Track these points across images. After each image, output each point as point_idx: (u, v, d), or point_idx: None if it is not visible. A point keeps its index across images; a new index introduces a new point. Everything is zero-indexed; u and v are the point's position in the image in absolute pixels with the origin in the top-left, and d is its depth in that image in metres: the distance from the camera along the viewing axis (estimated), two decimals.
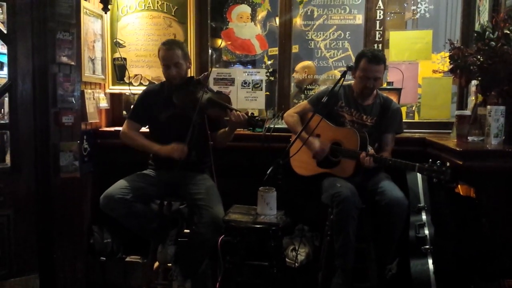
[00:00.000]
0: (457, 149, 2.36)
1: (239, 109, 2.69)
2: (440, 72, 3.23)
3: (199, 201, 2.60)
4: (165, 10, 3.49)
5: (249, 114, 2.61)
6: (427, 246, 2.68)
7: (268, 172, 2.32)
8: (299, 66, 3.81)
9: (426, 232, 2.72)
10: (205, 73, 2.95)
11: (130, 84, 3.51)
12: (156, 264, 2.81)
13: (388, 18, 3.69)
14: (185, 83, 2.76)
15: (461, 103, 3.39)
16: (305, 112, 2.89)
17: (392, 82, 3.35)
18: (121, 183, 2.63)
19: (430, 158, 2.36)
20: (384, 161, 2.57)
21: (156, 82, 3.43)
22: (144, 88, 3.10)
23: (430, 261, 2.63)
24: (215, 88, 3.21)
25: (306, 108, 2.92)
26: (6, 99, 2.89)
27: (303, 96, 3.69)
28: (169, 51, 2.73)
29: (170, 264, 2.84)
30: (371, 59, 2.69)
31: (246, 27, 3.66)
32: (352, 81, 2.88)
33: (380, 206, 2.54)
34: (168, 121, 2.76)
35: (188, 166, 2.72)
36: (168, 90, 2.79)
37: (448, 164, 2.25)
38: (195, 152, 2.74)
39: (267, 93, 3.67)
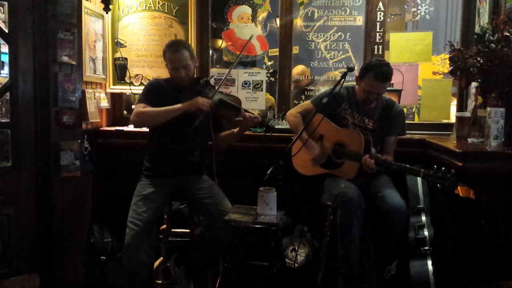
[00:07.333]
0: (457, 150, 2.37)
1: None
2: (440, 74, 3.25)
3: (209, 206, 2.62)
4: (166, 11, 3.49)
5: (259, 113, 2.63)
6: (427, 247, 2.68)
7: (268, 172, 2.32)
8: (296, 72, 3.75)
9: (426, 233, 2.72)
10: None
11: (131, 84, 3.51)
12: (156, 263, 2.82)
13: (389, 20, 3.69)
14: (193, 83, 2.71)
15: (461, 105, 3.40)
16: (307, 112, 2.88)
17: (392, 84, 3.36)
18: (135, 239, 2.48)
19: (430, 159, 2.36)
20: (388, 165, 2.54)
21: None
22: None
23: (429, 262, 2.64)
24: (215, 85, 3.21)
25: (308, 108, 2.91)
26: (7, 98, 2.89)
27: (303, 97, 3.70)
28: (177, 54, 2.64)
29: (168, 264, 2.86)
30: (378, 77, 2.63)
31: (247, 28, 3.66)
32: (355, 84, 2.87)
33: (380, 213, 2.54)
34: (172, 119, 2.65)
35: (190, 168, 2.73)
36: (175, 90, 2.72)
37: (453, 170, 2.23)
38: (197, 153, 2.74)
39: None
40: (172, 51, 2.66)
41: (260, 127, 2.65)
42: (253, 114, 2.63)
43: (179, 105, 2.57)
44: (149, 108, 2.63)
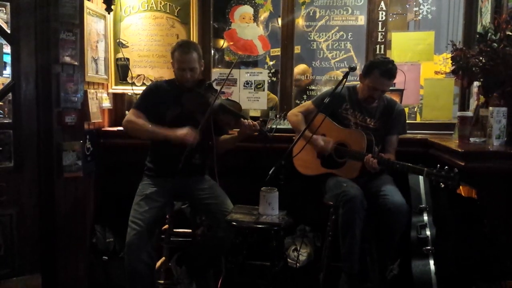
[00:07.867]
0: (459, 150, 2.37)
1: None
2: (442, 73, 3.24)
3: (211, 206, 2.62)
4: (168, 11, 3.50)
5: (260, 121, 2.61)
6: (429, 247, 2.68)
7: (270, 172, 2.32)
8: (297, 71, 3.75)
9: (428, 233, 2.72)
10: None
11: (133, 84, 3.52)
12: (158, 263, 2.82)
13: (390, 19, 3.68)
14: (196, 85, 2.70)
15: (463, 105, 3.39)
16: (309, 112, 2.89)
17: (395, 83, 3.34)
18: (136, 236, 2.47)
19: (433, 159, 2.36)
20: (391, 165, 2.55)
21: None
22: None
23: (431, 262, 2.63)
24: (217, 89, 3.20)
25: (309, 108, 2.92)
26: (10, 98, 2.90)
27: (305, 96, 3.69)
28: (187, 55, 2.63)
29: (170, 264, 2.86)
30: (384, 73, 2.65)
31: (249, 28, 3.66)
32: (357, 83, 2.87)
33: (381, 211, 2.54)
34: (173, 121, 2.67)
35: (191, 170, 2.72)
36: (177, 90, 2.71)
37: (456, 169, 2.23)
38: (198, 155, 2.74)
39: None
40: (182, 52, 2.65)
41: (258, 135, 2.63)
42: (253, 122, 2.61)
43: (168, 132, 2.59)
44: (141, 121, 2.65)
